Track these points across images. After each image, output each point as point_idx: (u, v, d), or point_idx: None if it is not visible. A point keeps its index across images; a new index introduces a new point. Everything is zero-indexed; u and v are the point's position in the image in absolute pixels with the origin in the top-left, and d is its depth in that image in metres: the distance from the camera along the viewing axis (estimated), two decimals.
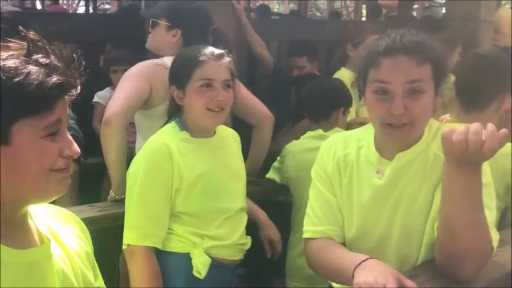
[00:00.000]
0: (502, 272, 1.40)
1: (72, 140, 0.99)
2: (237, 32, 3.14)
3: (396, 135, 1.40)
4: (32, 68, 0.91)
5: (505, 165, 1.81)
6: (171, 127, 1.84)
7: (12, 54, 0.92)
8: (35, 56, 0.93)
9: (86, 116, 3.26)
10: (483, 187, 1.35)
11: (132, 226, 1.74)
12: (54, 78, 0.92)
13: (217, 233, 1.82)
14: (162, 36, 2.31)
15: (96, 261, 1.22)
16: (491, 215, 1.36)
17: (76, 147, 0.98)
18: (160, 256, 1.76)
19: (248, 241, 1.94)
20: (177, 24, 2.28)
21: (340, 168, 1.54)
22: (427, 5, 9.01)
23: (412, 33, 1.41)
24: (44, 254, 1.01)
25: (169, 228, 1.78)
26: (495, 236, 1.34)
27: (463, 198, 1.26)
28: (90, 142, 2.91)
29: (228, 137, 1.96)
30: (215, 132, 1.90)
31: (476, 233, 1.27)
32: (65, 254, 1.07)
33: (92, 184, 2.95)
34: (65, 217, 1.16)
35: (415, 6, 9.56)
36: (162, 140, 1.77)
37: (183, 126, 1.83)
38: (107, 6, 12.72)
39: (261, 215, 2.17)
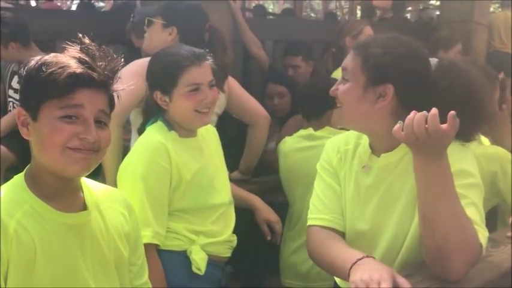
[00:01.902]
0: (498, 272, 1.40)
1: (93, 128, 1.15)
2: (232, 31, 3.14)
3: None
4: (66, 62, 1.13)
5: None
6: (159, 127, 1.83)
7: (64, 54, 1.17)
8: (75, 54, 1.16)
9: None
10: (470, 187, 1.37)
11: (143, 225, 1.69)
12: (72, 70, 1.12)
13: (212, 230, 1.84)
14: (158, 35, 2.31)
15: None
16: (478, 213, 1.36)
17: (94, 134, 1.15)
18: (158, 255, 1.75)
19: (235, 238, 1.95)
20: (172, 22, 2.28)
21: (342, 161, 1.58)
22: (421, 7, 9.05)
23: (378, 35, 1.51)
24: (82, 220, 1.21)
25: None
26: (483, 233, 1.34)
27: (432, 188, 1.28)
28: None
29: (207, 134, 1.97)
30: (196, 131, 1.90)
31: (454, 223, 1.27)
32: (103, 225, 1.26)
33: None
34: (114, 196, 1.37)
35: (409, 8, 9.60)
36: (158, 139, 1.77)
37: (170, 127, 1.83)
38: (101, 4, 12.66)
39: (255, 199, 2.17)
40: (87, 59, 1.16)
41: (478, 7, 4.15)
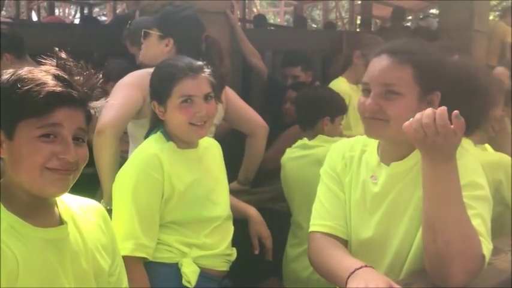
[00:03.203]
0: (498, 280, 1.38)
1: (72, 147, 1.12)
2: (231, 42, 3.14)
3: (369, 128, 1.46)
4: (43, 78, 1.09)
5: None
6: (158, 138, 1.82)
7: (40, 69, 1.13)
8: (52, 70, 1.12)
9: None
10: (479, 199, 1.36)
11: (127, 237, 1.69)
12: (51, 88, 1.08)
13: (206, 242, 1.81)
14: (154, 46, 2.31)
15: None
16: (484, 225, 1.34)
17: (73, 153, 1.11)
18: (147, 267, 1.73)
19: (234, 252, 1.93)
20: (169, 33, 2.28)
21: (347, 168, 1.57)
22: (421, 16, 9.08)
23: (405, 40, 1.46)
24: (60, 235, 1.19)
25: (157, 239, 1.76)
26: (488, 245, 1.31)
27: (438, 191, 1.28)
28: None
29: (211, 147, 1.95)
30: (198, 143, 1.88)
31: (457, 229, 1.26)
32: (80, 239, 1.24)
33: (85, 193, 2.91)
34: (89, 208, 1.33)
35: (410, 17, 9.64)
36: (152, 151, 1.76)
37: (169, 137, 1.82)
38: (103, 18, 12.76)
39: (251, 210, 2.14)
40: (65, 76, 1.12)
41: (478, 15, 4.17)
